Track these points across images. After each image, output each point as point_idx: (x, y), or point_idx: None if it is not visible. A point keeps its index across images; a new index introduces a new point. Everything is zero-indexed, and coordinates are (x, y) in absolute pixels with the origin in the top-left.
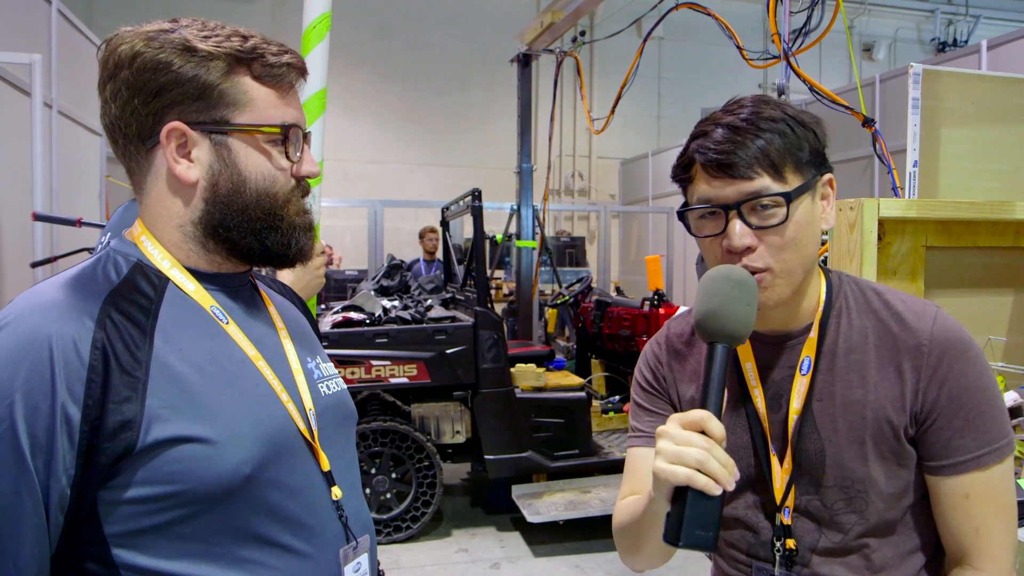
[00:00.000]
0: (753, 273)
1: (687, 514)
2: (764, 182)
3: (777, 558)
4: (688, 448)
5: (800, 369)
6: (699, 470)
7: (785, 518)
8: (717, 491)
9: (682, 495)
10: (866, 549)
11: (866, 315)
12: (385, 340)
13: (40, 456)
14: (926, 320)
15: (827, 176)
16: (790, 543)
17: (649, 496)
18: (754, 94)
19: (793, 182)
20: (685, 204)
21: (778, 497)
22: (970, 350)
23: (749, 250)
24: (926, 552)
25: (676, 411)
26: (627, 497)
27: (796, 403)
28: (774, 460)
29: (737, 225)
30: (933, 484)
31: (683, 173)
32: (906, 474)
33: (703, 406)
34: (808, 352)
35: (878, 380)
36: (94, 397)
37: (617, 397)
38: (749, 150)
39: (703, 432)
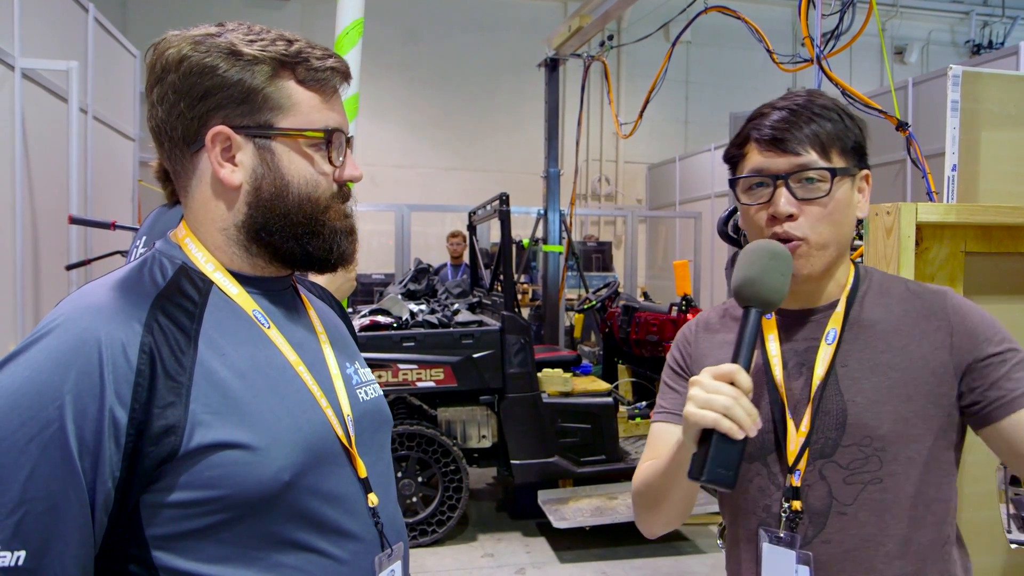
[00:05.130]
0: (790, 241)
1: (712, 454)
2: (812, 157)
3: (783, 519)
4: (717, 396)
5: (826, 339)
6: (725, 415)
7: (795, 480)
8: (740, 435)
9: (708, 437)
10: (878, 517)
11: (890, 295)
12: (412, 344)
13: (88, 458)
14: (943, 293)
15: (865, 172)
16: (796, 505)
17: (677, 444)
18: (808, 88)
19: (838, 163)
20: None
21: (790, 459)
22: (987, 315)
23: (791, 218)
24: (944, 528)
25: None
26: (647, 462)
27: (820, 369)
28: (790, 424)
29: (783, 194)
30: (1007, 427)
31: (737, 150)
32: (928, 438)
33: (734, 361)
34: (834, 324)
35: (905, 344)
36: (140, 401)
37: (644, 403)
38: (802, 130)
39: (732, 383)
